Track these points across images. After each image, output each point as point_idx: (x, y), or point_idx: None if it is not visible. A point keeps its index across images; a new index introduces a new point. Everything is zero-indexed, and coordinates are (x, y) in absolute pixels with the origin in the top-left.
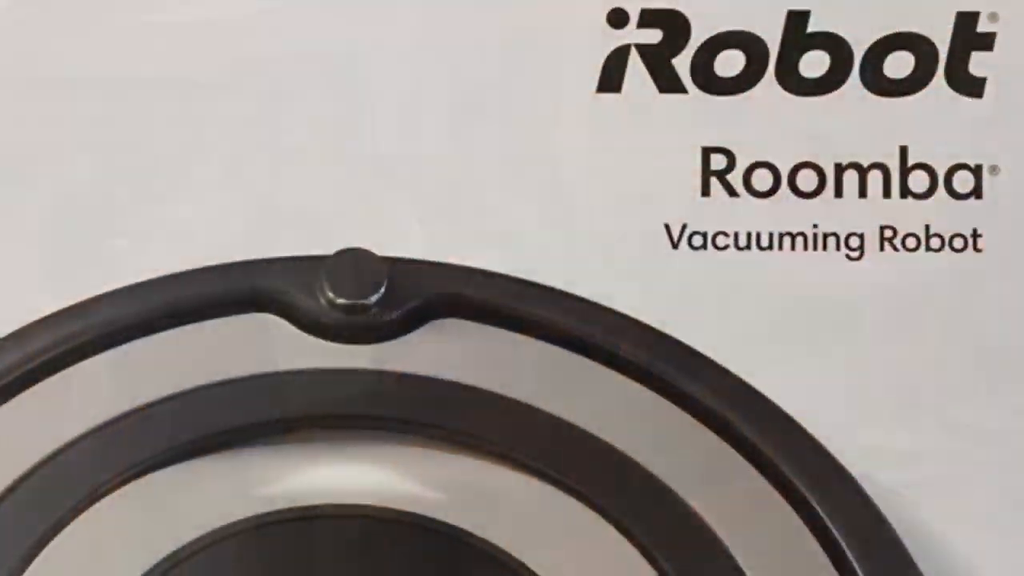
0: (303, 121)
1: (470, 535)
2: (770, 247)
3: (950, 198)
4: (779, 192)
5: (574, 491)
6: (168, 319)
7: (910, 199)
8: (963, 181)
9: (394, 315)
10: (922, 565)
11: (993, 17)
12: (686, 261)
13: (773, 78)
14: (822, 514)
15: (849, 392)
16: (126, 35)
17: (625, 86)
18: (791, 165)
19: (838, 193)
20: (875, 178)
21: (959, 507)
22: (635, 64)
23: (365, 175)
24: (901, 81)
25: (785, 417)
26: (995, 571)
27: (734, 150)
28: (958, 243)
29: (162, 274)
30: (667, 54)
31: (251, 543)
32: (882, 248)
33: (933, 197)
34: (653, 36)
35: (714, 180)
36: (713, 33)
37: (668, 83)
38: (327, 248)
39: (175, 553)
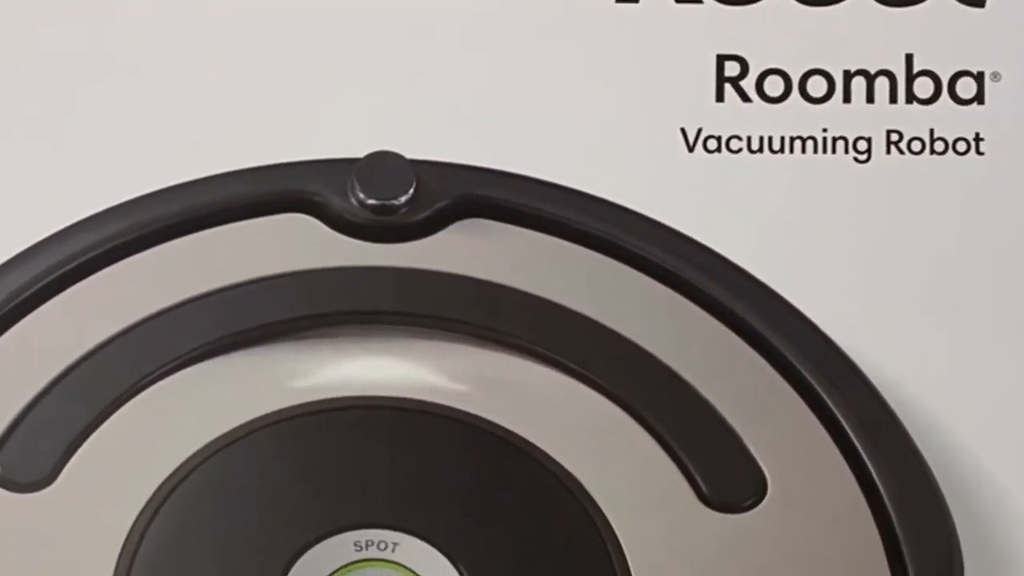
0: (332, 31)
1: (493, 425)
2: (781, 150)
3: (953, 104)
4: (790, 98)
5: (594, 383)
6: (207, 219)
7: (915, 104)
8: (966, 87)
9: (422, 215)
10: (925, 455)
11: None
12: (701, 164)
13: None
14: (831, 404)
15: (856, 289)
16: None
17: None
18: (801, 72)
19: (846, 99)
20: (882, 84)
21: (963, 403)
22: None
23: (393, 83)
24: None
25: (796, 313)
26: (997, 462)
27: (747, 57)
28: (961, 147)
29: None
30: None
31: (284, 434)
32: (888, 152)
33: (937, 103)
34: None
35: (728, 86)
36: None
37: None
38: (358, 152)
39: (212, 443)
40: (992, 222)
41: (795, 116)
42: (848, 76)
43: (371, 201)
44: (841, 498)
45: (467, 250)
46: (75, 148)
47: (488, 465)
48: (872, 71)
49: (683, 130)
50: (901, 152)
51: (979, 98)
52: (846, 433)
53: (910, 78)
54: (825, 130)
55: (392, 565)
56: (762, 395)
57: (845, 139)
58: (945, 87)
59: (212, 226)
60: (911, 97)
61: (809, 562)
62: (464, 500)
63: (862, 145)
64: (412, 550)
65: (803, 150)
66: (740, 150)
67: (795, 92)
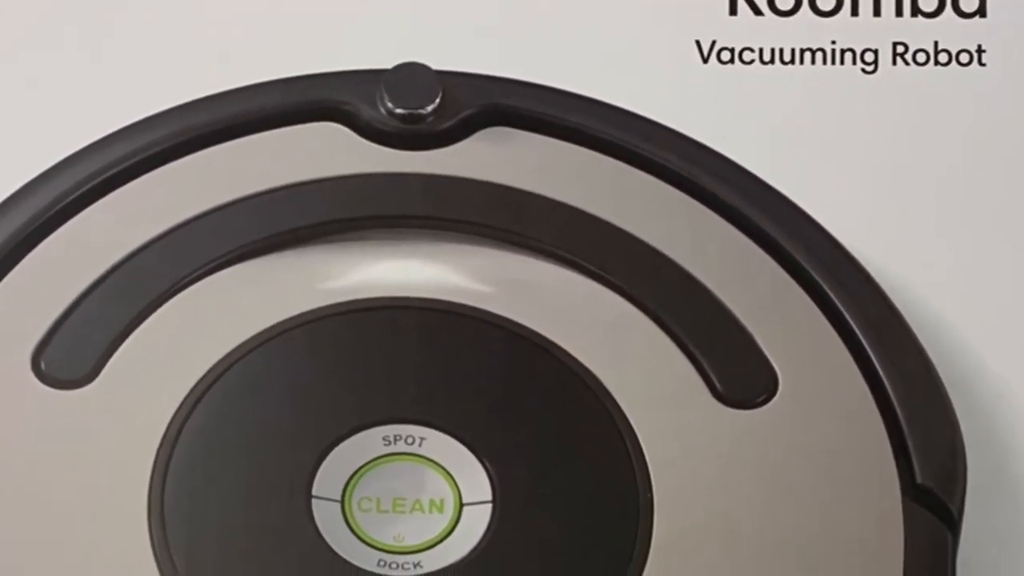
0: None
1: (516, 324)
2: (792, 62)
3: (957, 17)
4: (800, 11)
5: (613, 285)
6: (242, 128)
7: (920, 18)
8: (969, 1)
9: (447, 124)
10: (928, 352)
11: None
12: (715, 75)
13: None
14: (839, 305)
15: (864, 195)
16: None
17: None
18: None
19: (854, 12)
20: None
21: (965, 303)
22: None
23: None
24: None
25: (807, 218)
26: (997, 359)
27: None
28: (964, 58)
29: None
30: None
31: (316, 333)
32: (894, 63)
33: (941, 16)
34: None
35: (741, 1)
36: None
37: None
38: (386, 64)
39: (247, 342)
40: (993, 130)
41: (805, 29)
42: None
43: (399, 110)
44: (849, 394)
45: (491, 157)
46: (114, 62)
47: (511, 363)
48: None
49: (698, 42)
50: (906, 63)
51: (981, 11)
52: (854, 332)
53: None
54: (834, 42)
55: (419, 459)
56: (774, 296)
57: (853, 51)
58: (949, 0)
59: (247, 134)
60: (916, 10)
61: (818, 456)
62: (488, 396)
63: (869, 57)
64: (438, 444)
65: (812, 62)
66: (752, 61)
67: (805, 6)
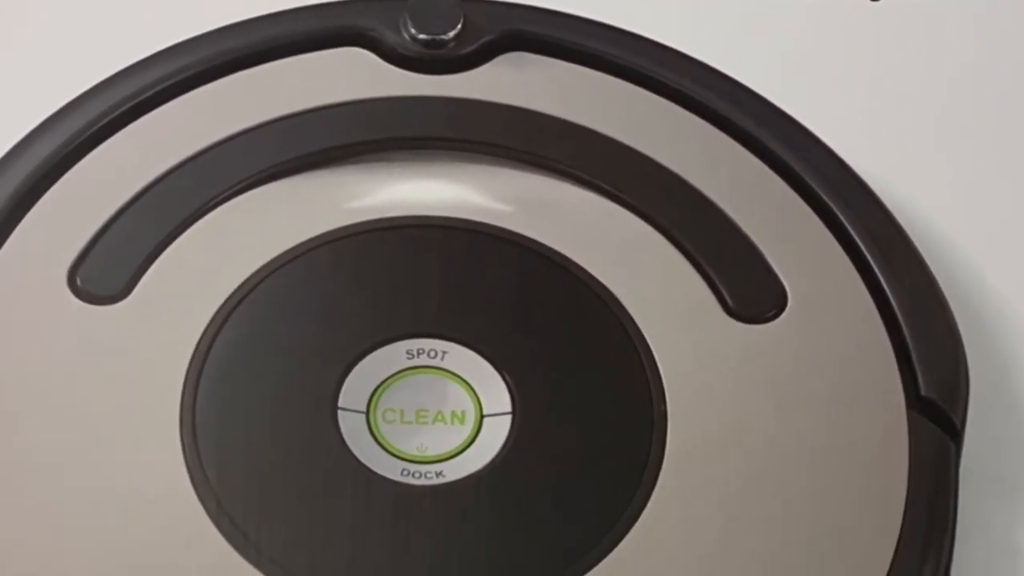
0: None
1: (535, 242)
2: None
3: None
4: None
5: (629, 204)
6: (270, 53)
7: None
8: None
9: (469, 49)
10: (932, 268)
11: None
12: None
13: None
14: (845, 223)
15: (870, 116)
16: None
17: None
18: None
19: None
20: None
21: (967, 220)
22: None
23: None
24: None
25: (814, 139)
26: (998, 274)
27: None
28: None
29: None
30: None
31: (342, 251)
32: None
33: None
34: None
35: None
36: None
37: None
38: None
39: (275, 259)
40: (994, 52)
41: None
42: None
43: (422, 36)
44: (855, 310)
45: (511, 81)
46: None
47: (530, 279)
48: None
49: None
50: None
51: None
52: (859, 249)
53: None
54: None
55: (441, 372)
56: (783, 215)
57: None
58: None
59: (275, 59)
60: None
61: (826, 369)
62: (508, 312)
63: None
64: (460, 358)
65: None
66: None
67: None
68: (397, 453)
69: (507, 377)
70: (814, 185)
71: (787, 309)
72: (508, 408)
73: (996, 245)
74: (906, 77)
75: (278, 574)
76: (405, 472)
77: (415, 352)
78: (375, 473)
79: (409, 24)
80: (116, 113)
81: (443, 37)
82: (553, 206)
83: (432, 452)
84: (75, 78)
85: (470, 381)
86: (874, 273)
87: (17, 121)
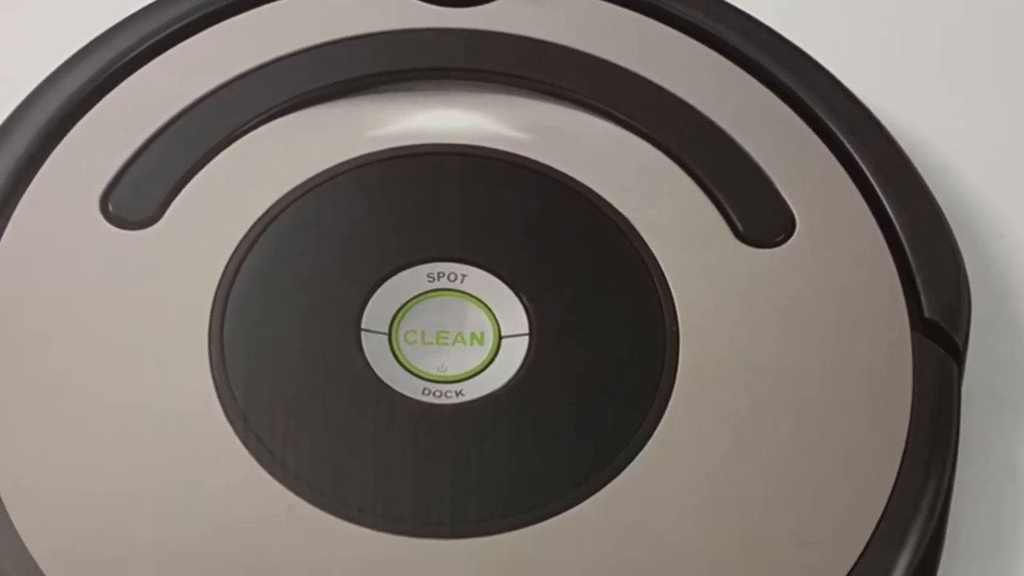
0: None
1: (551, 169)
2: None
3: None
4: None
5: (641, 132)
6: None
7: None
8: None
9: None
10: (935, 194)
11: None
12: None
13: None
14: (851, 150)
15: (874, 46)
16: None
17: None
18: None
19: None
20: None
21: (969, 147)
22: None
23: None
24: None
25: (821, 69)
26: (999, 200)
27: None
28: None
29: None
30: None
31: (364, 177)
32: None
33: None
34: None
35: None
36: None
37: None
38: None
39: (300, 185)
40: None
41: None
42: None
43: None
44: (860, 235)
45: (528, 14)
46: None
47: (547, 205)
48: None
49: None
50: None
51: None
52: (865, 176)
53: None
54: None
55: (461, 294)
56: (791, 143)
57: None
58: None
59: None
60: None
61: (832, 292)
62: (525, 236)
63: None
64: (479, 281)
65: None
66: None
67: None
68: (418, 373)
69: (524, 299)
70: (821, 114)
71: (795, 234)
72: (525, 329)
73: (997, 172)
74: (910, 6)
75: (303, 490)
76: (426, 391)
77: (436, 275)
78: (397, 392)
79: None
80: (147, 44)
81: None
82: (568, 134)
83: (452, 372)
84: (106, 12)
85: (489, 303)
86: (879, 199)
87: (51, 54)
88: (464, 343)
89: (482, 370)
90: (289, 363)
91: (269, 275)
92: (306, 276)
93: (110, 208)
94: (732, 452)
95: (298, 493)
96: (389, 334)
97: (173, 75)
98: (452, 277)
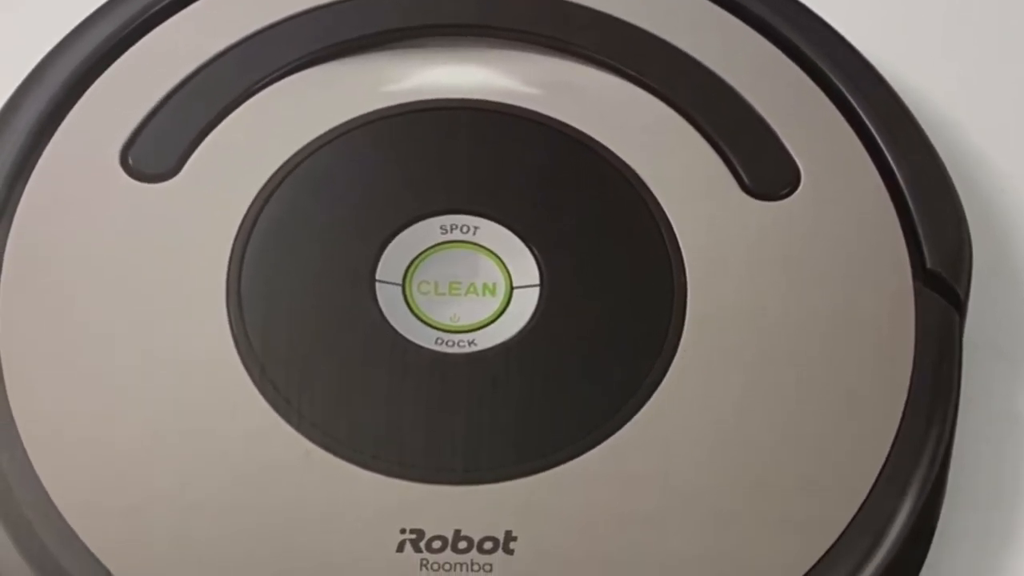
0: None
1: (562, 124)
2: None
3: None
4: None
5: (650, 87)
6: None
7: None
8: None
9: None
10: (937, 148)
11: None
12: None
13: None
14: (855, 105)
15: (878, 2)
16: None
17: None
18: None
19: None
20: None
21: (970, 103)
22: None
23: None
24: None
25: (826, 26)
26: (1000, 154)
27: None
28: None
29: None
30: None
31: (378, 132)
32: None
33: None
34: None
35: None
36: None
37: None
38: None
39: (316, 140)
40: None
41: None
42: None
43: None
44: (864, 188)
45: None
46: None
47: (557, 159)
48: None
49: None
50: None
51: None
52: (869, 131)
53: None
54: None
55: (473, 246)
56: (796, 99)
57: None
58: None
59: None
60: None
61: (837, 243)
62: (536, 189)
63: None
64: (491, 232)
65: None
66: None
67: None
68: (431, 323)
69: (535, 251)
70: (826, 70)
71: (800, 187)
72: (536, 280)
73: (998, 126)
74: None
75: (319, 437)
76: (439, 341)
77: (448, 227)
78: (411, 342)
79: None
80: (166, 1)
81: None
82: (579, 90)
83: (465, 322)
84: None
85: (500, 255)
86: (882, 153)
87: (72, 10)
88: (476, 294)
89: (494, 320)
90: (305, 313)
91: (285, 227)
92: (321, 228)
93: (130, 162)
94: (738, 400)
95: (314, 440)
96: (403, 285)
97: (192, 31)
98: (465, 229)
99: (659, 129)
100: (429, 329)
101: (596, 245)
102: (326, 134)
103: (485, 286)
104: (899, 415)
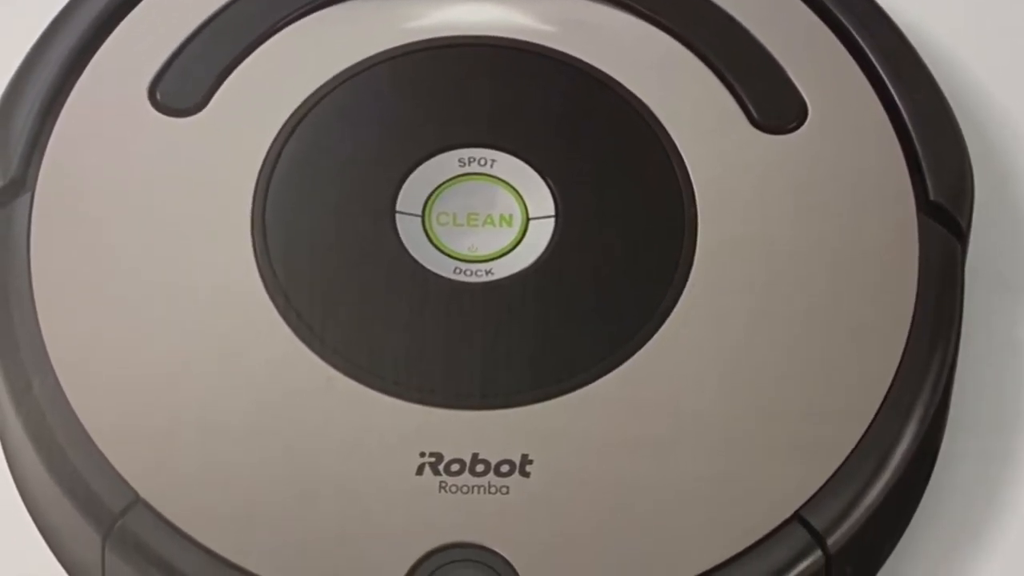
0: None
1: (577, 60)
2: None
3: None
4: None
5: (662, 25)
6: None
7: None
8: None
9: None
10: (940, 84)
11: None
12: None
13: None
14: (861, 42)
15: None
16: None
17: None
18: None
19: None
20: None
21: (977, 45)
22: None
23: None
24: None
25: None
26: (1000, 88)
27: None
28: None
29: None
30: None
31: (399, 68)
32: None
33: None
34: None
35: None
36: None
37: None
38: None
39: (338, 75)
40: None
41: None
42: None
43: None
44: (869, 122)
45: None
46: None
47: (573, 94)
48: None
49: None
50: None
51: None
52: (873, 66)
53: None
54: None
55: (490, 178)
56: (804, 36)
57: None
58: None
59: None
60: None
61: (843, 176)
62: (552, 124)
63: None
64: (508, 165)
65: None
66: None
67: None
68: (450, 253)
69: (551, 183)
70: (832, 8)
71: (807, 121)
72: (552, 212)
73: (998, 62)
74: None
75: (341, 363)
76: (457, 270)
77: (467, 160)
78: (430, 271)
79: None
80: None
81: None
82: (594, 27)
83: (482, 252)
84: None
85: (517, 187)
86: (887, 89)
87: None
88: (493, 224)
89: (511, 250)
90: (327, 243)
91: (309, 160)
92: (343, 161)
93: (158, 97)
94: (747, 328)
95: (336, 366)
96: (422, 216)
97: None
98: (482, 162)
99: (671, 65)
100: (448, 259)
101: (610, 178)
102: (348, 70)
103: (502, 217)
104: (903, 342)
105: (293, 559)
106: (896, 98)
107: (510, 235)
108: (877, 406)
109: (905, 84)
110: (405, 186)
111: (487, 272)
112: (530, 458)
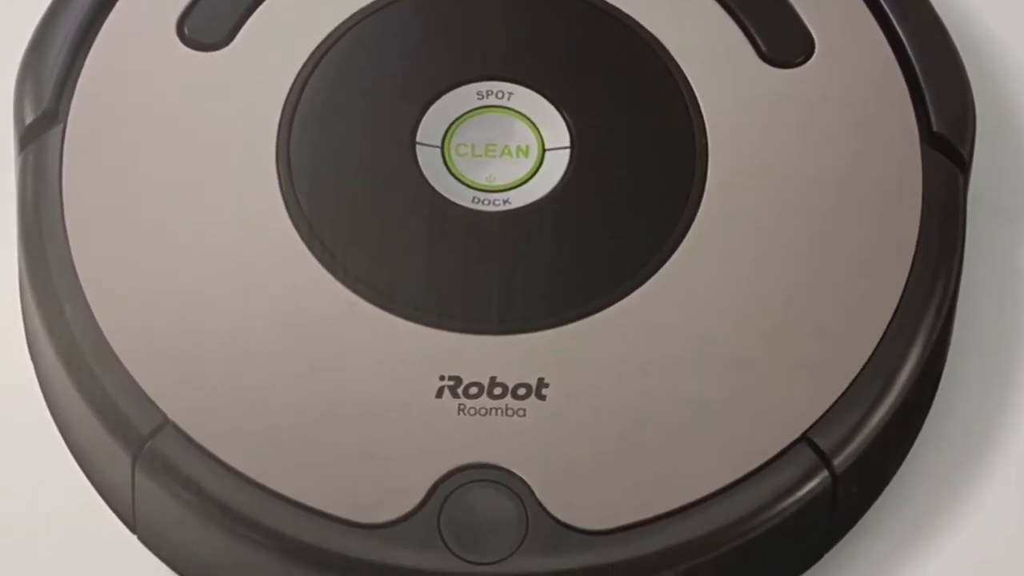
0: None
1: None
2: None
3: None
4: None
5: None
6: None
7: None
8: None
9: None
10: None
11: None
12: None
13: None
14: None
15: None
16: None
17: None
18: None
19: None
20: None
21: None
22: None
23: None
24: None
25: None
26: (1003, 30)
27: None
28: None
29: None
30: None
31: (418, 4)
32: None
33: None
34: None
35: None
36: None
37: None
38: None
39: (360, 11)
40: None
41: None
42: None
43: None
44: (874, 56)
45: None
46: None
47: (587, 29)
48: None
49: None
50: None
51: None
52: (878, 2)
53: None
54: None
55: (507, 110)
56: None
57: None
58: None
59: None
60: None
61: (848, 108)
62: (568, 57)
63: None
64: (524, 98)
65: None
66: None
67: None
68: (468, 183)
69: (566, 115)
70: None
71: (814, 55)
72: (567, 143)
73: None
74: None
75: (363, 290)
76: (476, 200)
77: (484, 93)
78: (449, 201)
79: None
80: None
81: None
82: None
83: (500, 182)
84: None
85: (533, 119)
86: (891, 23)
87: None
88: (511, 155)
89: (527, 180)
90: (350, 173)
91: (332, 93)
92: (366, 94)
93: (186, 32)
94: (757, 255)
95: (358, 293)
96: (442, 147)
97: None
98: (500, 95)
99: (683, 1)
100: (466, 188)
101: (623, 110)
102: (370, 5)
103: (519, 148)
104: (907, 268)
105: (316, 480)
106: (900, 32)
107: (527, 165)
108: (882, 330)
109: (908, 18)
110: (425, 118)
111: (504, 201)
112: (546, 381)
